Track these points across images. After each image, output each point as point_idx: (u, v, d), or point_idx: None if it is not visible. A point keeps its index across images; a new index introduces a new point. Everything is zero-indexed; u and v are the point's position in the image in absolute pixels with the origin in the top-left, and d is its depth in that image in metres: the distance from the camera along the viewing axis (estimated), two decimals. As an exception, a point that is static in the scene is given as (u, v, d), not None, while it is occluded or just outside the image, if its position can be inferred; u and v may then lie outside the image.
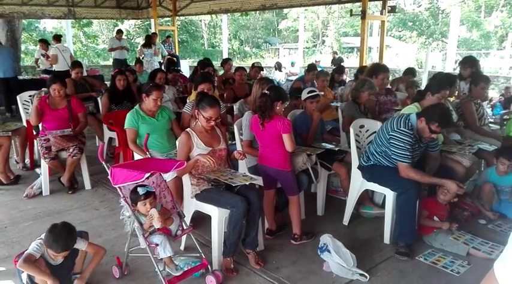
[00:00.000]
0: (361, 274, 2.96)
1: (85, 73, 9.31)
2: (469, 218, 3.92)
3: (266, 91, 3.36)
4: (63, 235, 2.47)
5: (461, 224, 3.65)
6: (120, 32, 11.96)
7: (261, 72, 7.82)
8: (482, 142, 4.29)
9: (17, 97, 5.52)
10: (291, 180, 3.40)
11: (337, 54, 18.67)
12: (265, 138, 3.35)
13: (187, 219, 3.14)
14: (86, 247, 2.68)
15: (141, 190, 2.73)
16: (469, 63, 5.34)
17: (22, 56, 16.34)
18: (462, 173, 3.81)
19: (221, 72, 9.02)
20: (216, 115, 3.11)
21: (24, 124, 5.32)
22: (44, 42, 10.33)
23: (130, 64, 10.45)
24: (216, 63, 12.77)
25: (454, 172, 3.75)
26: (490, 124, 5.20)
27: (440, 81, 4.26)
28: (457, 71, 6.31)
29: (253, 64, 7.85)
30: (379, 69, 5.11)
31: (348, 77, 10.34)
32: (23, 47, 17.13)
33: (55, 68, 9.40)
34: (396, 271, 3.11)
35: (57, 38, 10.28)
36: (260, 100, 3.32)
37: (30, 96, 5.39)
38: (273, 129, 3.27)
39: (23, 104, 5.46)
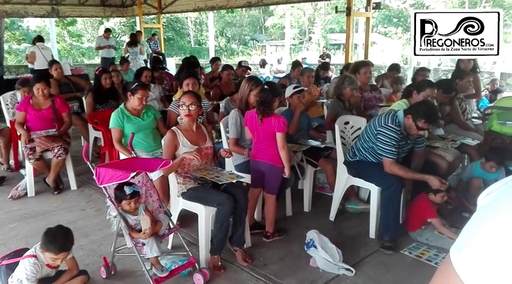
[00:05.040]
0: (347, 269, 3.00)
1: (69, 73, 9.22)
2: (452, 212, 3.98)
3: (266, 87, 3.38)
4: (59, 235, 2.45)
5: (444, 218, 3.71)
6: (108, 31, 11.91)
7: (248, 70, 7.80)
8: (465, 136, 4.36)
9: (0, 97, 5.44)
10: (278, 178, 3.41)
11: (326, 49, 18.86)
12: (261, 133, 3.35)
13: (174, 218, 3.15)
14: (68, 256, 2.58)
15: (127, 190, 2.72)
16: (469, 59, 5.39)
17: (5, 55, 16.06)
18: (445, 168, 3.87)
19: (208, 69, 9.00)
20: (189, 100, 3.10)
21: (8, 125, 5.25)
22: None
23: (116, 63, 10.36)
24: (204, 61, 12.73)
25: (437, 166, 3.81)
26: (473, 120, 5.29)
27: (426, 80, 4.36)
28: (442, 67, 6.37)
29: (239, 63, 7.83)
30: (360, 64, 5.18)
31: (333, 74, 10.38)
32: (6, 46, 16.85)
33: (35, 66, 9.30)
34: (381, 264, 3.16)
35: (39, 38, 10.11)
36: (261, 96, 3.33)
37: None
38: (269, 126, 3.29)
39: (6, 105, 5.39)
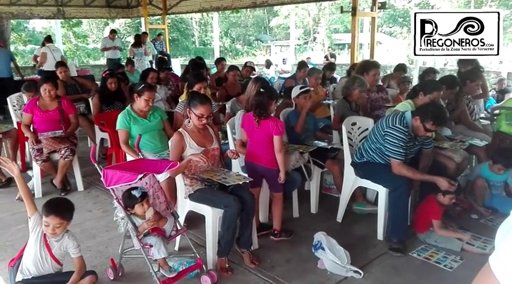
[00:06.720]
0: (355, 271, 2.99)
1: (75, 74, 9.23)
2: (461, 214, 3.95)
3: (262, 90, 3.37)
4: (54, 199, 2.55)
5: (453, 220, 3.69)
6: (113, 32, 11.92)
7: (253, 71, 7.80)
8: (473, 137, 4.32)
9: (7, 99, 5.46)
10: (276, 178, 3.42)
11: (332, 49, 18.89)
12: (257, 136, 3.36)
13: (181, 220, 3.14)
14: (77, 255, 2.59)
15: (136, 193, 2.72)
16: (469, 61, 5.35)
17: (12, 56, 16.13)
18: (453, 169, 3.84)
19: (213, 70, 8.98)
20: (207, 112, 3.10)
21: (15, 126, 5.27)
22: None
23: (123, 64, 10.37)
24: (209, 62, 12.74)
25: (445, 167, 3.78)
26: (481, 120, 5.25)
27: (433, 82, 4.32)
28: (448, 67, 6.34)
29: (245, 63, 7.86)
30: (369, 65, 5.13)
31: (338, 75, 10.35)
32: (12, 48, 16.94)
33: (44, 67, 9.30)
34: (390, 267, 3.14)
35: (48, 39, 10.14)
36: (257, 99, 3.33)
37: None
38: (266, 129, 3.28)
39: (13, 106, 5.41)
